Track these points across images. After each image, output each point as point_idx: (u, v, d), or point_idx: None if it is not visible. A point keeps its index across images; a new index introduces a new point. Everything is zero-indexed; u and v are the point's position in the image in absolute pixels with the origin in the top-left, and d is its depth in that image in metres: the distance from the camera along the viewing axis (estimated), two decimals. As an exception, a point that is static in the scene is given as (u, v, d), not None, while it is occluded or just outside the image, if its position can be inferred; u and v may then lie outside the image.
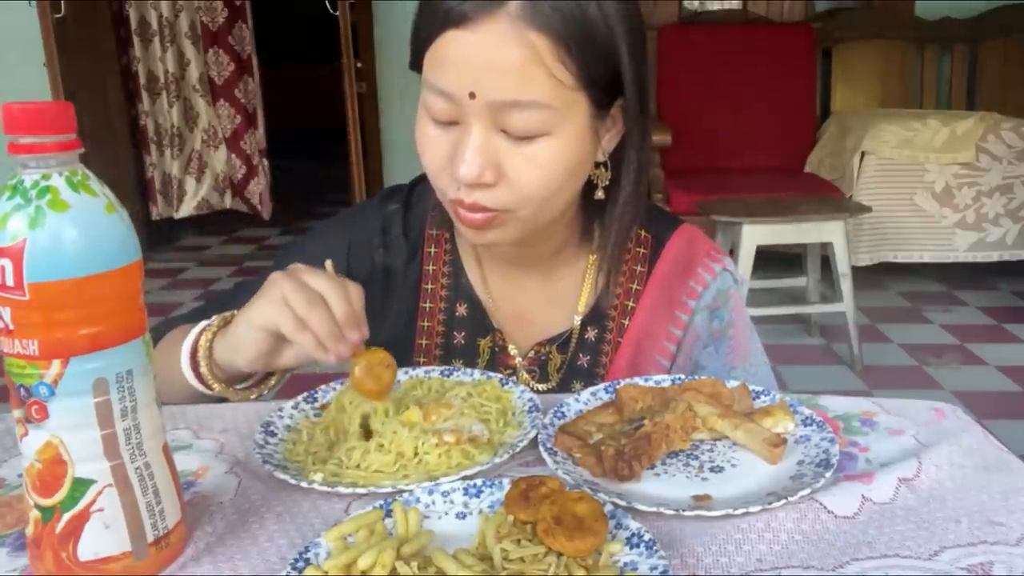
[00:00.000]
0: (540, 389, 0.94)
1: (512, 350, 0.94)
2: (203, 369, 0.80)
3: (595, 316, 0.94)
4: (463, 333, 0.95)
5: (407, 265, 0.95)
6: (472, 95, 0.72)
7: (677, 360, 0.93)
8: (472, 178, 0.75)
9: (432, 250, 0.95)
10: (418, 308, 0.95)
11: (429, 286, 0.95)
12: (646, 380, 0.81)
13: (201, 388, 0.81)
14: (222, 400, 0.84)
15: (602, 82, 0.76)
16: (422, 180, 0.96)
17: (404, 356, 0.94)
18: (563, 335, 0.94)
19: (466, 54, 0.72)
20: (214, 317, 0.82)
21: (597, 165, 0.83)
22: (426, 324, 0.95)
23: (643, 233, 0.94)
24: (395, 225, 0.95)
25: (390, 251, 0.95)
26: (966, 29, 4.34)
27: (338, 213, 1.01)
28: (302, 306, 0.71)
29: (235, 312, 0.80)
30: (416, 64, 0.78)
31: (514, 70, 0.71)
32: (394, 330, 0.95)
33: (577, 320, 0.93)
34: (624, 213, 0.86)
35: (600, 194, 0.85)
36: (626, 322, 0.93)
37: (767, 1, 4.52)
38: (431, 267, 0.95)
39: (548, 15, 0.71)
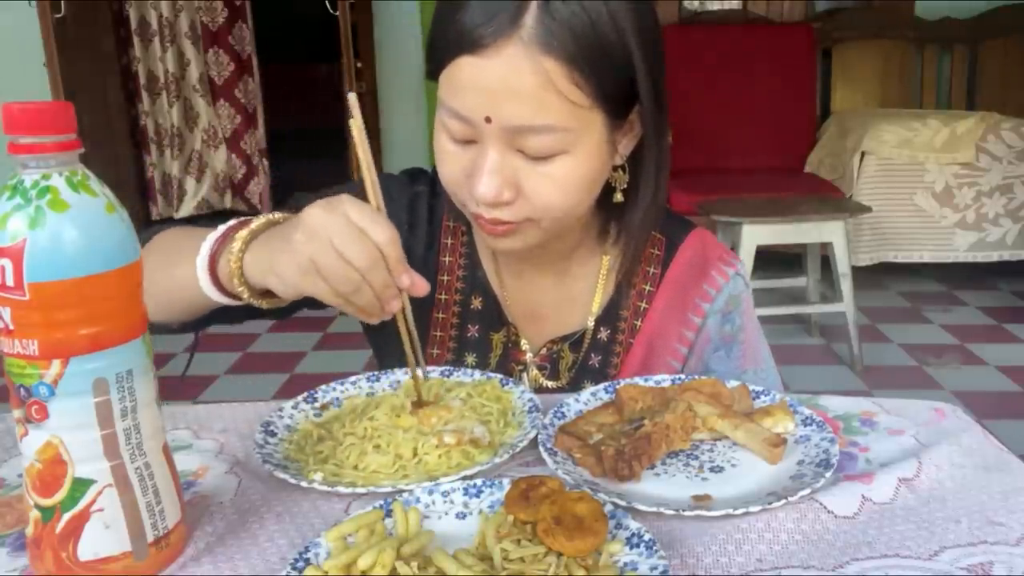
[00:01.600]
0: (550, 387, 0.94)
1: (524, 346, 0.94)
2: (232, 276, 0.72)
3: (608, 317, 0.94)
4: (477, 326, 0.95)
5: (426, 251, 0.95)
6: (488, 119, 0.73)
7: (688, 363, 0.93)
8: (490, 199, 0.75)
9: (449, 241, 0.95)
10: (433, 299, 0.95)
11: (445, 277, 0.95)
12: (646, 380, 0.81)
13: (221, 299, 0.75)
14: (229, 314, 0.79)
15: (618, 96, 0.76)
16: None
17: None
18: (576, 334, 0.94)
19: (480, 80, 0.72)
20: (252, 220, 0.74)
21: (615, 168, 0.84)
22: (441, 316, 0.95)
23: (657, 235, 0.94)
24: (421, 207, 0.95)
25: (413, 232, 0.94)
26: (966, 29, 4.34)
27: (358, 181, 0.99)
28: (341, 284, 0.65)
29: (279, 218, 0.74)
30: (432, 75, 0.78)
31: (528, 96, 0.71)
32: None
33: (591, 321, 0.94)
34: (645, 216, 0.86)
35: (619, 196, 0.85)
36: (638, 323, 0.93)
37: (767, 1, 4.52)
38: (447, 258, 0.95)
39: (561, 38, 0.70)
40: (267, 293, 0.73)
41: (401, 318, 0.73)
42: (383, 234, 0.65)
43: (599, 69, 0.72)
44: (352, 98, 0.71)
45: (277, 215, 0.76)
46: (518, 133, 0.73)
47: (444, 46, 0.74)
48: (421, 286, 0.68)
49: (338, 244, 0.64)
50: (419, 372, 0.77)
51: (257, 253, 0.71)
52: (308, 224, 0.65)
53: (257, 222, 0.74)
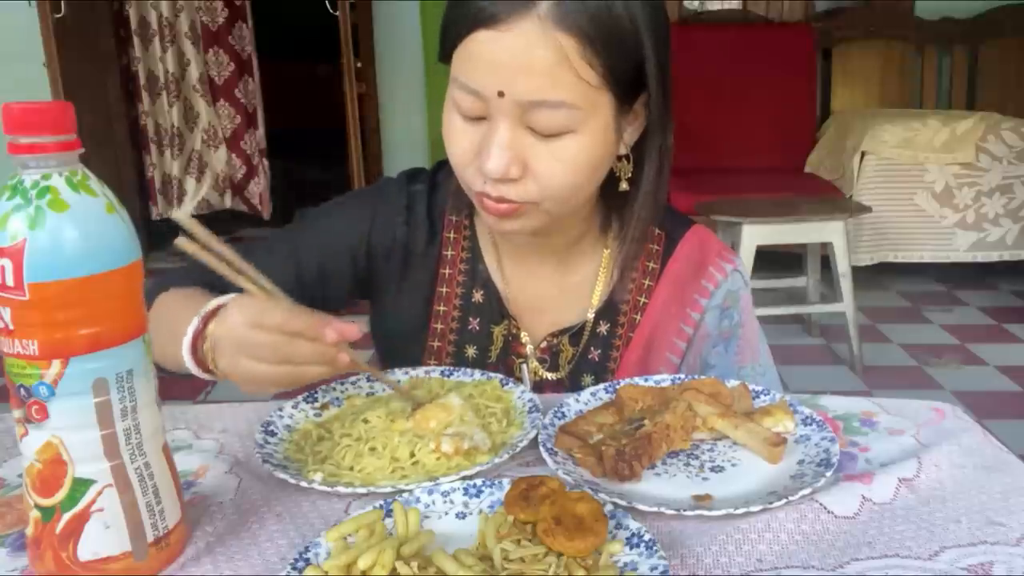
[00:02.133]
0: (550, 379, 0.94)
1: (524, 338, 0.95)
2: (211, 365, 0.73)
3: (608, 310, 0.94)
4: (478, 319, 0.95)
5: (427, 247, 0.95)
6: (501, 94, 0.74)
7: (687, 358, 0.94)
8: (498, 173, 0.76)
9: (451, 235, 0.96)
10: (434, 292, 0.95)
11: (446, 271, 0.95)
12: (646, 380, 0.81)
13: (207, 376, 0.75)
14: None
15: (626, 79, 0.77)
16: (445, 164, 0.96)
17: (419, 340, 0.95)
18: (576, 327, 0.94)
19: (495, 54, 0.73)
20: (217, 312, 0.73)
21: (619, 158, 0.84)
22: (442, 308, 0.95)
23: (657, 230, 0.95)
24: (419, 204, 0.96)
25: (412, 230, 0.95)
26: (966, 29, 4.35)
27: (360, 188, 1.00)
28: (283, 380, 0.68)
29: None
30: (445, 57, 0.79)
31: (542, 71, 0.72)
32: (410, 313, 0.95)
33: (591, 314, 0.94)
34: (645, 205, 0.87)
35: (624, 186, 0.86)
36: (638, 318, 0.94)
37: (767, 1, 4.52)
38: (449, 252, 0.96)
39: (576, 16, 0.72)
40: None
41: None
42: (275, 318, 0.66)
43: (611, 49, 0.74)
44: (181, 216, 0.69)
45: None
46: (529, 108, 0.74)
47: (460, 22, 0.75)
48: (350, 331, 0.68)
49: (251, 355, 0.66)
50: (397, 381, 0.77)
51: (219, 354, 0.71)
52: (220, 359, 0.68)
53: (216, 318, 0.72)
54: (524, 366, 0.95)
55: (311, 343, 0.66)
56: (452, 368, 0.86)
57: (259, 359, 0.66)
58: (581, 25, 0.72)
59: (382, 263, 0.95)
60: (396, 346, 0.98)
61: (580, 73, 0.73)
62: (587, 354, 0.94)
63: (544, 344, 0.95)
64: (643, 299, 0.94)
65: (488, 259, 0.96)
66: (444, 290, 0.95)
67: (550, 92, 0.73)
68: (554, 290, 0.95)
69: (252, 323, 0.66)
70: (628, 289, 0.94)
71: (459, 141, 0.79)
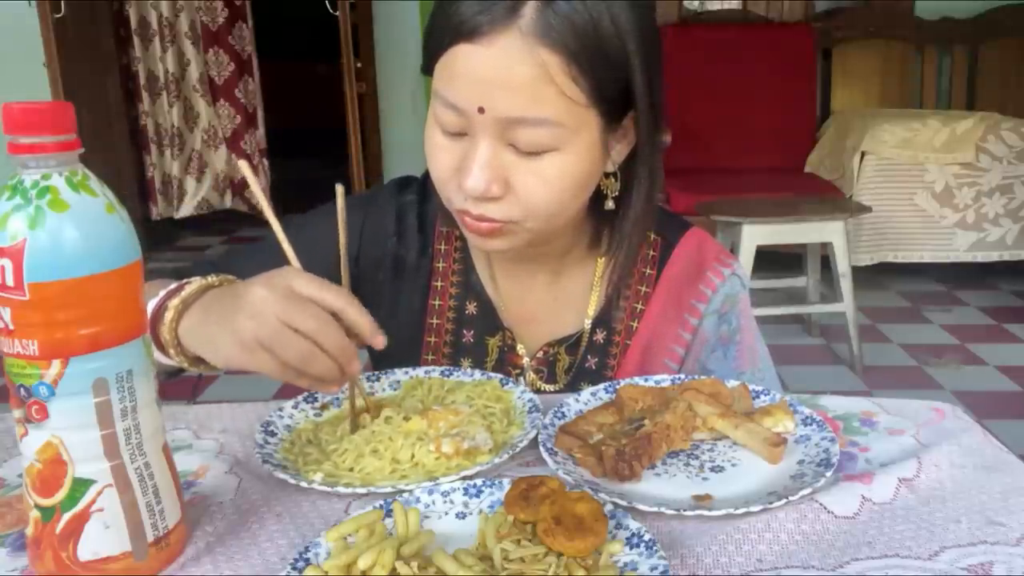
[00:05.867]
0: (548, 390, 0.94)
1: (520, 350, 0.94)
2: (168, 346, 0.71)
3: (604, 318, 0.93)
4: (472, 332, 0.94)
5: (418, 258, 0.94)
6: (481, 110, 0.72)
7: (685, 364, 0.93)
8: (478, 192, 0.75)
9: (442, 247, 0.95)
10: (427, 305, 0.94)
11: (439, 283, 0.94)
12: (646, 380, 0.81)
13: (169, 362, 0.73)
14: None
15: (614, 98, 0.75)
16: None
17: (413, 353, 0.94)
18: (572, 337, 0.93)
19: (476, 69, 0.71)
20: (187, 284, 0.73)
21: (607, 175, 0.83)
22: (435, 321, 0.94)
23: (652, 235, 0.93)
24: (410, 215, 0.95)
25: (403, 241, 0.94)
26: (966, 29, 4.35)
27: (348, 198, 1.00)
28: (291, 354, 0.63)
29: (215, 281, 0.73)
30: (428, 69, 0.78)
31: (524, 88, 0.71)
32: (403, 326, 0.94)
33: (587, 323, 0.93)
34: (636, 227, 0.86)
35: (610, 204, 0.84)
36: (635, 324, 0.93)
37: (767, 1, 4.52)
38: (441, 264, 0.94)
39: (560, 31, 0.70)
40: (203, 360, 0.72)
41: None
42: (337, 300, 0.65)
43: (597, 67, 0.72)
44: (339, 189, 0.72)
45: (212, 278, 0.74)
46: (511, 125, 0.73)
47: (441, 34, 0.74)
48: (382, 341, 0.68)
49: (282, 315, 0.63)
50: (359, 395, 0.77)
51: (192, 323, 0.70)
52: (249, 303, 0.64)
53: (190, 288, 0.72)
54: (521, 378, 0.94)
55: (342, 334, 0.65)
56: (451, 368, 0.86)
57: (289, 325, 0.62)
58: (565, 41, 0.70)
59: (371, 275, 0.94)
60: (391, 360, 0.97)
61: (564, 90, 0.71)
62: (584, 363, 0.93)
63: (540, 354, 0.94)
64: (640, 306, 0.93)
65: (480, 270, 0.94)
66: (437, 303, 0.94)
67: (531, 109, 0.71)
68: (548, 300, 0.94)
69: (308, 295, 0.64)
70: (624, 296, 0.93)
71: (440, 157, 0.78)
